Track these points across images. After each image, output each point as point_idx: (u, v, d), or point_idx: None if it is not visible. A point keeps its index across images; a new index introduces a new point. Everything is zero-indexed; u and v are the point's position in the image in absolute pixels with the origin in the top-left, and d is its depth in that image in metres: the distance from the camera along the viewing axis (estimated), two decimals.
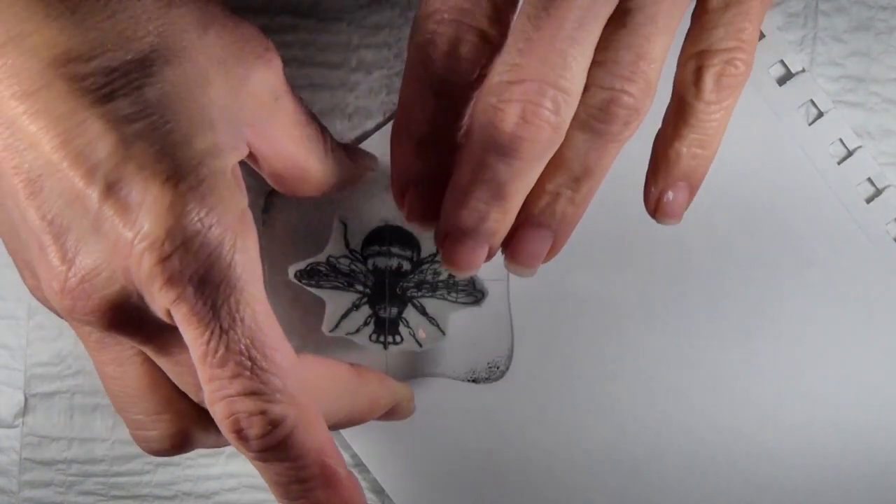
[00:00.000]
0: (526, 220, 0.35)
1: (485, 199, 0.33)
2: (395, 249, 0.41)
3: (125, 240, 0.29)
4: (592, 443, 0.43)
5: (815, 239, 0.43)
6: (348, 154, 0.38)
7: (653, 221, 0.37)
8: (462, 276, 0.37)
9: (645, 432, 0.44)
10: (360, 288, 0.38)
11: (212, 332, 0.29)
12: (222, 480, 0.46)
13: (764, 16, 0.35)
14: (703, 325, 0.43)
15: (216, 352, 0.30)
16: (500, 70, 0.31)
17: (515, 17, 0.32)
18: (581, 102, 0.32)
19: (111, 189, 0.29)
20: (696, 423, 0.43)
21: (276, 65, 0.34)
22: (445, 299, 0.39)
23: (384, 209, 0.41)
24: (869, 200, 0.43)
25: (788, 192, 0.43)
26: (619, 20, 0.32)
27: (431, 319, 0.39)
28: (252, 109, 0.33)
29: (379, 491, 0.45)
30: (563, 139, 0.32)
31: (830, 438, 0.43)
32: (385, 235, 0.41)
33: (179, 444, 0.35)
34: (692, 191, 0.37)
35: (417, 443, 0.44)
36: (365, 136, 0.43)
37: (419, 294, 0.41)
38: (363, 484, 0.45)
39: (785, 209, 0.43)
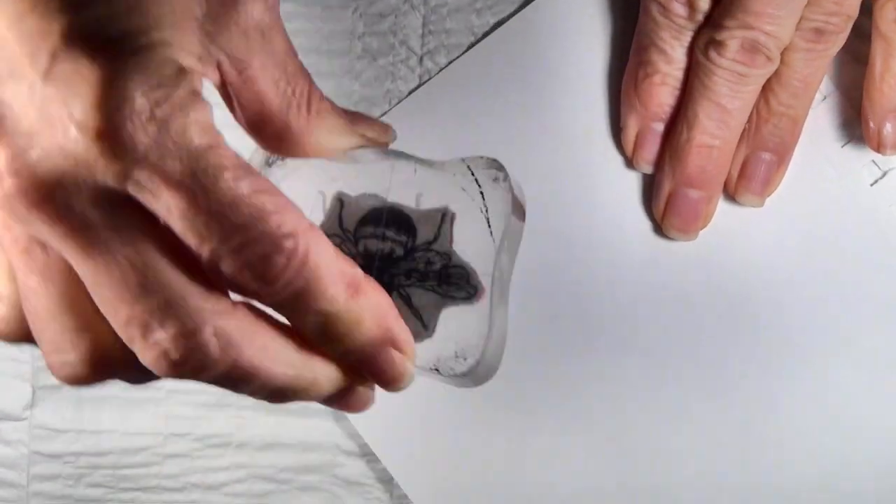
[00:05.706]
0: (754, 146, 0.41)
1: (707, 116, 0.41)
2: (389, 233, 0.39)
3: (69, 116, 0.28)
4: (599, 443, 0.44)
5: (819, 223, 0.43)
6: (356, 123, 0.37)
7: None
8: (688, 234, 0.42)
9: (643, 435, 0.44)
10: None
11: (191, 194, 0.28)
12: (231, 471, 0.45)
13: None
14: (706, 315, 0.43)
15: (198, 215, 0.28)
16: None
17: None
18: (797, 29, 0.40)
19: (56, 63, 0.28)
20: (695, 420, 0.43)
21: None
22: (435, 291, 0.37)
23: (385, 190, 0.39)
24: (873, 184, 0.43)
25: (791, 177, 0.43)
26: None
27: (415, 311, 0.37)
28: (233, 39, 0.31)
29: (387, 480, 0.45)
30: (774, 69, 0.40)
31: (838, 422, 0.43)
32: (382, 217, 0.39)
33: (98, 370, 0.33)
34: None
35: (427, 430, 0.44)
36: None
37: (407, 283, 0.38)
38: (372, 474, 0.45)
39: (789, 194, 0.43)
